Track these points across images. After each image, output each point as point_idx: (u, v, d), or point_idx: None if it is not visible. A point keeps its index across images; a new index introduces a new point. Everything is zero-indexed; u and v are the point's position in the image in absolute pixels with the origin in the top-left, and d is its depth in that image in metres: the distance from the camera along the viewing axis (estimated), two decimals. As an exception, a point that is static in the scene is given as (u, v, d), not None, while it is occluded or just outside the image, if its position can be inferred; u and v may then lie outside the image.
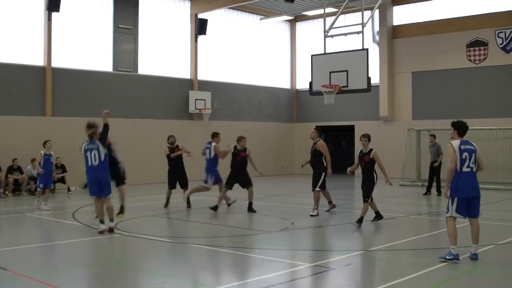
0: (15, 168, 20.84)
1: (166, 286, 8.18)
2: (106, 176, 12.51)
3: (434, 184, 20.40)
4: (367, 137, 13.85)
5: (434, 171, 20.30)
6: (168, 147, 17.24)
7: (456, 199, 9.42)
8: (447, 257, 9.30)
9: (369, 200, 13.57)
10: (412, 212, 16.08)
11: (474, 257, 9.47)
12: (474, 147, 9.54)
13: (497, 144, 24.82)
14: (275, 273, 8.95)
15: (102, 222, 12.27)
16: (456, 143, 9.47)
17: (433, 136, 20.92)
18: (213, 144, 16.52)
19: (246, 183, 16.30)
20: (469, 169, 9.39)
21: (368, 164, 13.62)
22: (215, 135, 16.75)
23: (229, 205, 16.76)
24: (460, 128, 9.65)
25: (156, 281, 8.35)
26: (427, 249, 10.66)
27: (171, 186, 17.19)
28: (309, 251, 10.85)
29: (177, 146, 17.37)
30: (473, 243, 9.58)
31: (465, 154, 9.37)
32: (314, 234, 13.09)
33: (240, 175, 16.27)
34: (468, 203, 9.49)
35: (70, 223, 13.97)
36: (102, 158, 12.43)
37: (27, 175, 21.02)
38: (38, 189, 17.17)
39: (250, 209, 16.05)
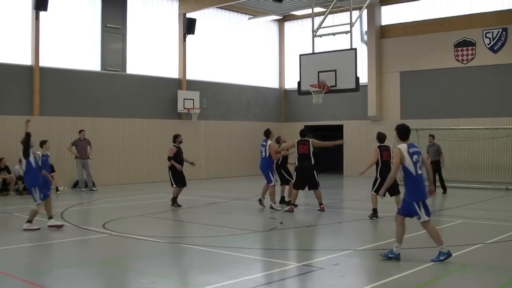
0: (2, 167, 20.73)
1: (155, 286, 8.16)
2: (28, 184, 13.02)
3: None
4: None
5: (436, 170, 20.39)
6: (174, 145, 17.16)
7: (420, 202, 9.44)
8: (441, 257, 9.29)
9: (371, 191, 14.68)
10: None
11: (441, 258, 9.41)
12: (419, 149, 9.61)
13: (484, 144, 24.97)
14: (264, 272, 8.96)
15: (50, 217, 12.95)
16: (404, 147, 9.42)
17: (432, 136, 20.97)
18: (269, 142, 16.73)
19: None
20: (421, 172, 9.44)
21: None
22: (269, 132, 16.94)
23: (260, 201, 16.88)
24: (401, 132, 9.65)
25: (145, 281, 8.33)
26: (416, 248, 10.69)
27: (182, 184, 17.16)
28: (297, 250, 10.86)
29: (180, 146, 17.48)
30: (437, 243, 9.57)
31: (415, 156, 9.39)
32: (302, 233, 13.10)
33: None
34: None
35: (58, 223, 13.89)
36: (24, 168, 12.99)
37: (14, 175, 20.91)
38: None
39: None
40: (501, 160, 24.74)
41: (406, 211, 9.62)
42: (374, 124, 28.53)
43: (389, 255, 9.47)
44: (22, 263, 9.74)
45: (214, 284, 8.11)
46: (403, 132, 9.64)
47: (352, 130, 29.66)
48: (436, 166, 20.43)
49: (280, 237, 12.48)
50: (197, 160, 27.72)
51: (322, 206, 15.90)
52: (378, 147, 14.88)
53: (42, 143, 15.76)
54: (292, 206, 15.82)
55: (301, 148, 15.91)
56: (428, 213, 9.53)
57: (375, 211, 14.46)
